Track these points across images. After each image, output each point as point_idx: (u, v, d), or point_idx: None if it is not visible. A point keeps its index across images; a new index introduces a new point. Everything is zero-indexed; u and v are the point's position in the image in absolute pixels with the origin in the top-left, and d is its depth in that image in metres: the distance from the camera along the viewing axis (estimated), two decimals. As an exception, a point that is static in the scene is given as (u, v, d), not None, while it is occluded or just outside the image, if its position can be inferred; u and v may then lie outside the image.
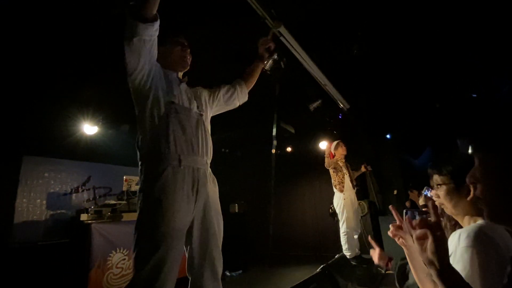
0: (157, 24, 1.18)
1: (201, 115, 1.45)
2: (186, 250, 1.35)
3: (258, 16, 2.03)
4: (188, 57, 1.51)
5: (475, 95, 3.77)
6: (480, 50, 2.96)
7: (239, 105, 1.75)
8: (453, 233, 1.16)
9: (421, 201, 3.33)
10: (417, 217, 1.35)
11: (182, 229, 1.25)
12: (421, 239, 0.69)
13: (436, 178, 1.12)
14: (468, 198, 0.98)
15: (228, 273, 4.31)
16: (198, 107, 1.46)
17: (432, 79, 3.56)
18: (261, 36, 1.78)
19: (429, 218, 0.71)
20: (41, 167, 4.07)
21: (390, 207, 1.01)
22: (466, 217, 1.04)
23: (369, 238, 1.10)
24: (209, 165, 1.45)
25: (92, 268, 3.14)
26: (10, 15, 1.99)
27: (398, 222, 0.81)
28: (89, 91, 3.27)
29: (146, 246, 1.18)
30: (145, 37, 1.16)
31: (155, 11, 1.16)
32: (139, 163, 1.32)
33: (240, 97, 1.70)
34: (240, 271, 4.50)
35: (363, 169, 4.61)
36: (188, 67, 1.53)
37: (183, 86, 1.47)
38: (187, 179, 1.28)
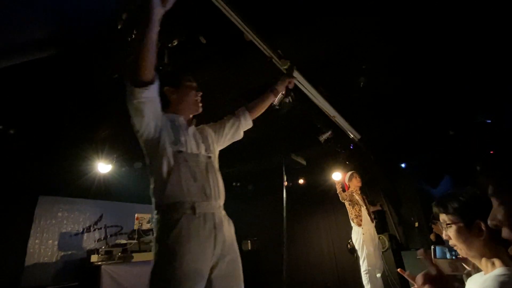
0: (153, 87, 1.21)
1: (209, 157, 1.44)
2: None
3: (265, 56, 2.12)
4: (200, 101, 1.52)
5: (489, 121, 3.68)
6: (490, 73, 2.93)
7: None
8: (475, 277, 1.06)
9: (445, 235, 3.12)
10: (448, 255, 1.25)
11: (200, 280, 1.20)
12: None
13: (444, 218, 1.05)
14: (482, 238, 0.92)
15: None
16: (206, 150, 1.45)
17: (446, 105, 3.50)
18: (270, 73, 1.80)
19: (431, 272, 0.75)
20: (55, 206, 4.11)
21: (398, 270, 0.99)
22: (483, 260, 0.96)
23: (399, 270, 1.02)
24: (222, 207, 1.42)
25: (100, 314, 3.01)
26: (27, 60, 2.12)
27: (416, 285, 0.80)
28: (103, 130, 3.38)
29: None
30: (143, 100, 1.20)
31: (150, 76, 1.19)
32: (155, 212, 1.31)
33: (245, 126, 1.70)
34: (255, 315, 4.19)
35: (378, 206, 4.49)
36: (201, 111, 1.54)
37: (191, 130, 1.46)
38: (202, 227, 1.26)
